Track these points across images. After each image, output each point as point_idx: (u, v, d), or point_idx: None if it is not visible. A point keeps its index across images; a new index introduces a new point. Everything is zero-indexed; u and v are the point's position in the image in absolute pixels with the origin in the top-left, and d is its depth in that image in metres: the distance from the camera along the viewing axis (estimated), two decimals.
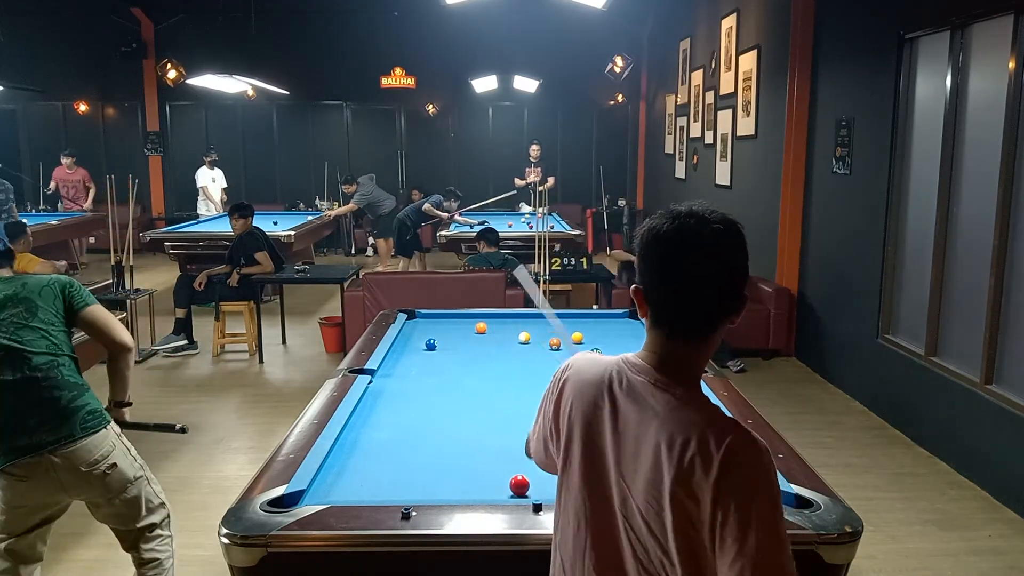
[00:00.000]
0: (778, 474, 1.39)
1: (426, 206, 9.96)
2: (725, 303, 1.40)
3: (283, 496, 2.27)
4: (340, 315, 7.05)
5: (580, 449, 1.51)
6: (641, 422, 1.41)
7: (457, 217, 10.11)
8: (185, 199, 13.43)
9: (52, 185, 11.85)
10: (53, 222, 10.40)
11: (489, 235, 7.61)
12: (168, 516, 2.92)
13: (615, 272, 7.25)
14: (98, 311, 2.85)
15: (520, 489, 2.37)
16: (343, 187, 11.41)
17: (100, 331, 2.82)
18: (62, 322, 2.79)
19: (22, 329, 2.69)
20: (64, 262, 7.94)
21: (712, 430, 1.33)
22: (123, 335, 2.85)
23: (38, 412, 2.62)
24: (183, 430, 2.93)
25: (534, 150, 11.87)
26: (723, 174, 8.82)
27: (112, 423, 2.77)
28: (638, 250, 1.45)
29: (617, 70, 11.80)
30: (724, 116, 8.73)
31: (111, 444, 2.72)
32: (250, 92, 13.18)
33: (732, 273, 1.40)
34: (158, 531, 2.85)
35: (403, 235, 9.98)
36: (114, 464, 2.70)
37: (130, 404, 2.92)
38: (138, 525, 2.80)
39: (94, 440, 2.67)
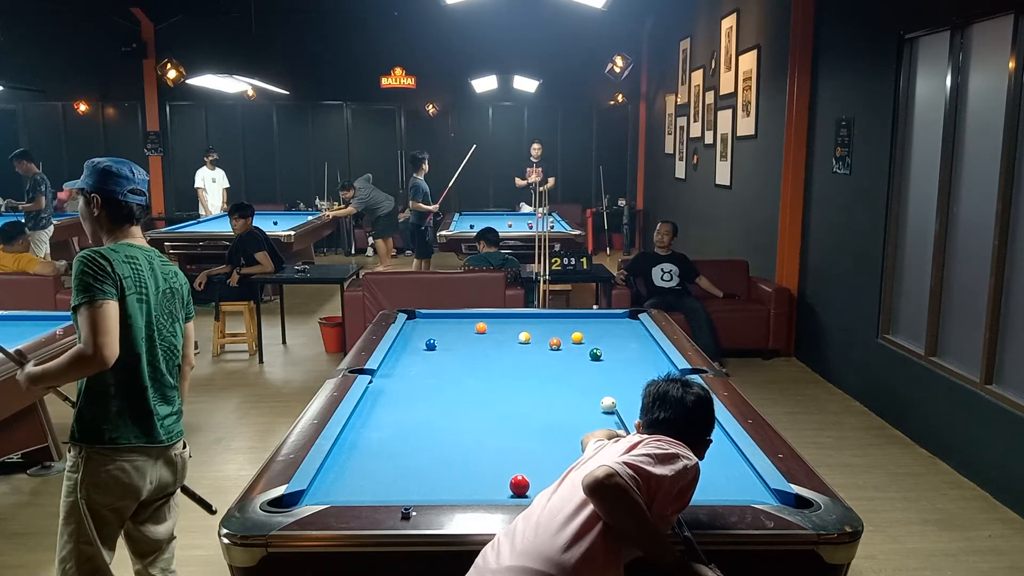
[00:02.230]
0: (692, 484, 2.02)
1: (412, 203, 9.91)
2: (692, 431, 2.17)
3: (283, 496, 2.27)
4: (340, 315, 7.05)
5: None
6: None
7: (421, 205, 9.88)
8: (185, 199, 13.44)
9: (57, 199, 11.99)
10: (54, 222, 10.40)
11: (489, 235, 7.60)
12: None
13: (615, 272, 7.26)
14: (192, 324, 2.83)
15: (520, 489, 2.37)
16: (341, 193, 11.43)
17: (186, 344, 2.79)
18: None
19: (176, 323, 2.67)
20: (64, 262, 7.94)
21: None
22: (192, 351, 2.85)
23: (171, 407, 2.64)
24: (214, 511, 2.83)
25: (535, 149, 11.88)
26: (723, 174, 8.82)
27: None
28: (644, 398, 2.27)
29: (617, 70, 11.80)
30: (724, 116, 8.73)
31: None
32: (250, 92, 13.17)
33: (698, 418, 2.19)
34: (174, 542, 2.83)
35: (422, 236, 9.95)
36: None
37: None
38: (174, 529, 2.80)
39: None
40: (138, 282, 2.51)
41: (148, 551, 2.72)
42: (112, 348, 2.38)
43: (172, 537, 2.78)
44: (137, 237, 2.63)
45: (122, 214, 2.58)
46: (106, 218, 2.58)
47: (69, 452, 2.55)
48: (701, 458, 2.12)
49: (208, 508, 2.82)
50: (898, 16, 5.34)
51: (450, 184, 10.73)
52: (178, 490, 2.77)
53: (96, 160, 2.62)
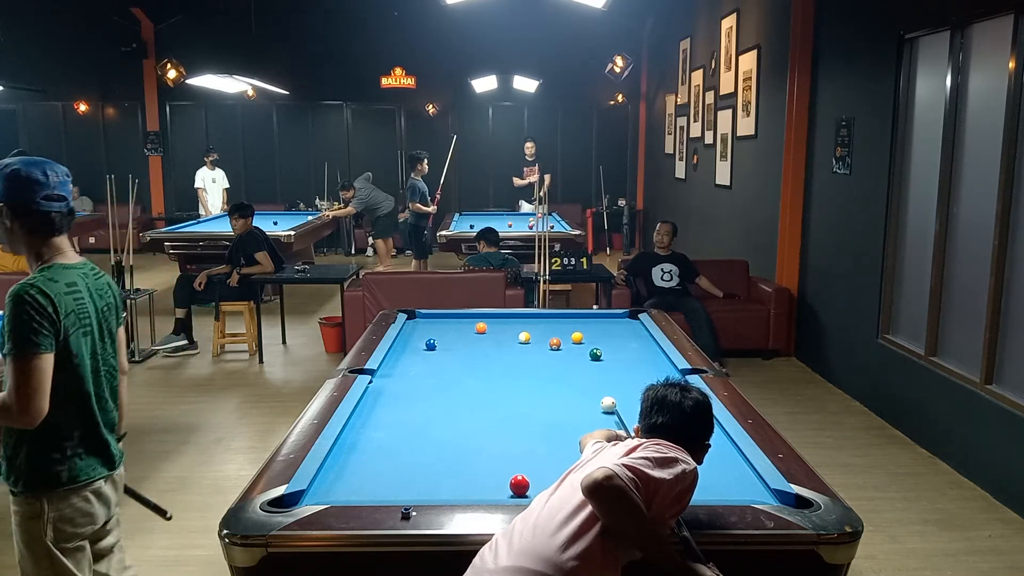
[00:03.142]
0: (690, 489, 2.02)
1: (411, 204, 9.91)
2: (691, 436, 2.15)
3: (283, 496, 2.27)
4: (340, 315, 7.05)
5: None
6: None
7: (420, 206, 9.91)
8: (185, 199, 13.44)
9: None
10: None
11: (489, 235, 7.60)
12: None
13: (615, 272, 7.27)
14: (123, 330, 2.56)
15: (520, 489, 2.37)
16: (341, 193, 11.43)
17: (119, 354, 2.52)
18: None
19: (113, 342, 2.44)
20: None
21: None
22: (126, 358, 2.61)
23: (114, 430, 2.46)
24: (169, 517, 2.66)
25: (529, 148, 11.85)
26: (723, 174, 8.82)
27: None
28: (643, 402, 2.24)
29: (617, 70, 11.80)
30: (724, 116, 8.73)
31: None
32: (250, 92, 13.18)
33: (696, 423, 2.17)
34: (122, 542, 2.65)
35: (418, 237, 9.95)
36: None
37: (124, 435, 2.58)
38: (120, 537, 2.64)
39: None
40: (81, 315, 2.26)
41: (96, 557, 2.51)
42: (39, 408, 2.14)
43: (118, 541, 2.58)
44: (66, 251, 2.31)
45: (39, 226, 2.24)
46: (22, 231, 2.24)
47: (16, 498, 2.27)
48: (700, 463, 2.11)
49: (162, 514, 2.64)
50: (898, 16, 5.34)
51: (441, 181, 10.74)
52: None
53: (4, 163, 2.24)
